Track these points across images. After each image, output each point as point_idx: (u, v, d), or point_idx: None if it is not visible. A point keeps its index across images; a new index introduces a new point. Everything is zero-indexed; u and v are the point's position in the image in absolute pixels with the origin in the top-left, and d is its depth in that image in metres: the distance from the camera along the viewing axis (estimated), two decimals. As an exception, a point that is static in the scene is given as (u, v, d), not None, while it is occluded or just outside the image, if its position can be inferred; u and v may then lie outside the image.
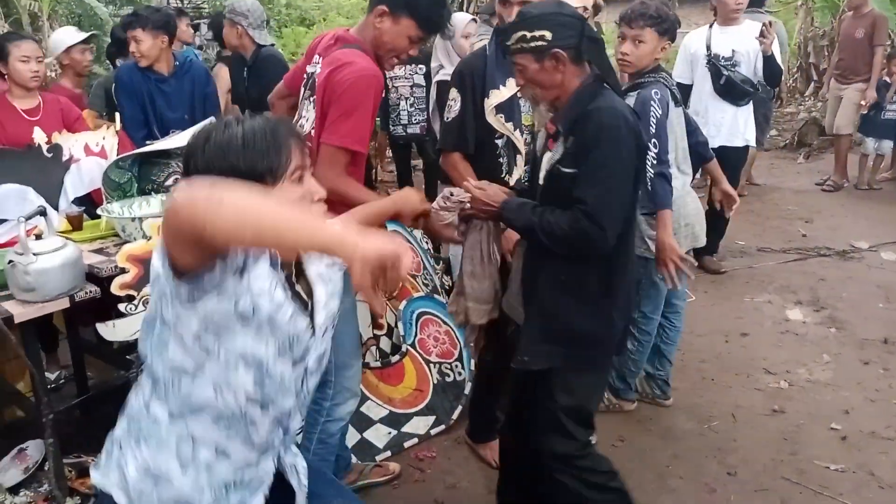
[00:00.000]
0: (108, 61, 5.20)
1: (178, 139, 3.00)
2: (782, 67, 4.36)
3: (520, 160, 2.42)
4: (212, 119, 3.04)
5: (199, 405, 1.29)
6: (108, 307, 2.59)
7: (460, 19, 3.65)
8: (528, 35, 1.84)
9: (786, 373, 3.38)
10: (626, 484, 2.07)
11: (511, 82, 2.42)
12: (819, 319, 3.96)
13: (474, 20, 3.69)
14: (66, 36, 4.16)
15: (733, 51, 4.16)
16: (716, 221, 4.57)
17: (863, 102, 6.24)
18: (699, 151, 2.96)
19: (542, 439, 2.01)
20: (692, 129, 2.91)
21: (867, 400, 3.16)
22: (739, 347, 3.66)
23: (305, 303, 1.38)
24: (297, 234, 1.06)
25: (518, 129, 2.42)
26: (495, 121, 2.41)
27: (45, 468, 2.73)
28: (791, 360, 3.51)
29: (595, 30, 2.00)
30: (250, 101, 4.00)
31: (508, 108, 2.42)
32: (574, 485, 1.98)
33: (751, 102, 4.30)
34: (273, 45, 3.93)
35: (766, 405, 3.12)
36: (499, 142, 2.43)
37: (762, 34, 4.04)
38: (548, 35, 1.82)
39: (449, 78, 3.60)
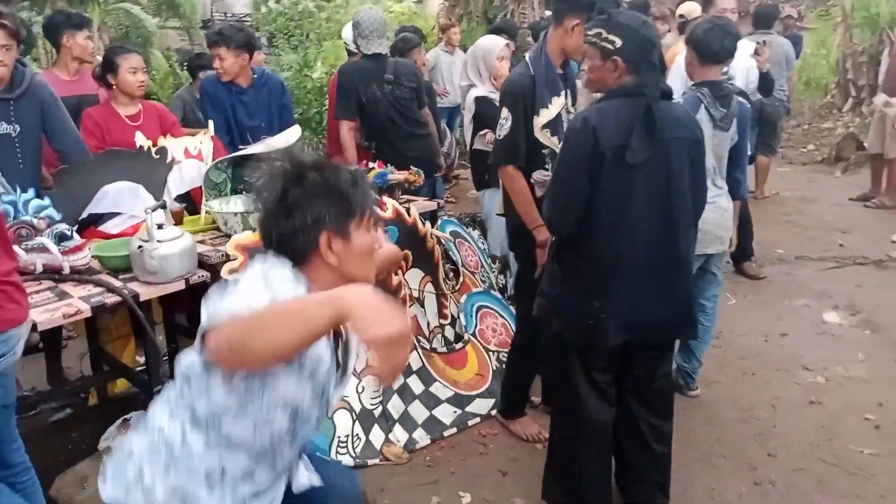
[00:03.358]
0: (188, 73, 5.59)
1: (270, 143, 3.34)
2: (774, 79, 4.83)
3: None
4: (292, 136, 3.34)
5: (237, 441, 1.41)
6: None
7: (495, 42, 3.85)
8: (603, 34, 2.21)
9: (823, 369, 3.59)
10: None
11: (557, 101, 2.73)
12: (855, 322, 4.15)
13: (508, 45, 3.89)
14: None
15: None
16: (740, 226, 4.80)
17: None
18: (731, 185, 3.15)
19: None
20: (736, 163, 3.12)
21: (901, 395, 3.35)
22: (778, 346, 3.88)
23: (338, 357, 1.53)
24: (305, 331, 1.19)
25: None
26: (542, 136, 2.71)
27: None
28: (828, 358, 3.71)
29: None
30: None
31: (554, 124, 2.72)
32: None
33: None
34: (383, 54, 4.19)
35: (804, 397, 3.34)
36: (545, 152, 2.72)
37: (757, 52, 4.42)
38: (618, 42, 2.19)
39: (488, 94, 3.82)
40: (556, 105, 2.73)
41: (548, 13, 10.70)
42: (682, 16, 5.32)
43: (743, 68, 4.48)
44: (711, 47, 2.97)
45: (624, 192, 2.19)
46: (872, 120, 6.84)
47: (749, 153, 4.89)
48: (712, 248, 3.11)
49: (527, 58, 2.83)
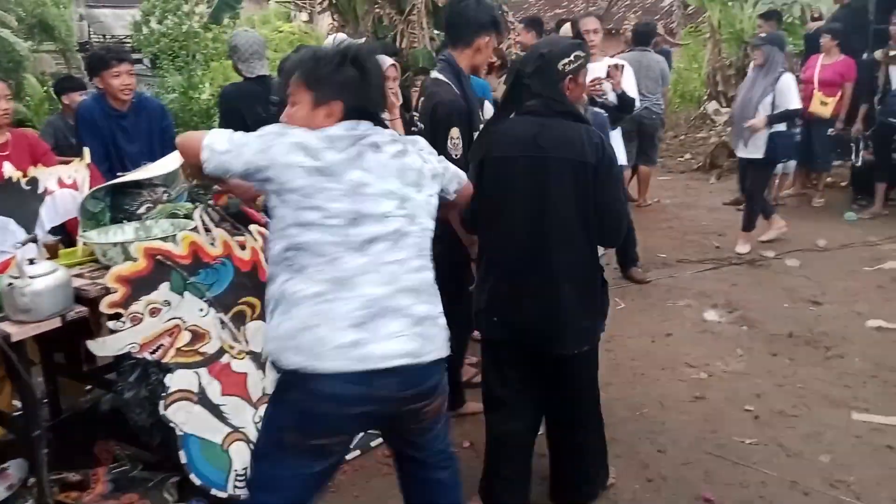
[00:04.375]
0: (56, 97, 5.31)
1: (149, 170, 3.22)
2: (635, 97, 4.82)
3: None
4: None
5: None
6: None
7: (382, 62, 3.85)
8: None
9: (705, 365, 3.82)
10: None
11: (484, 116, 2.87)
12: (732, 319, 4.44)
13: (394, 65, 3.92)
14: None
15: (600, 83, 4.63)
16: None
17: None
18: None
19: None
20: None
21: (776, 385, 3.60)
22: (664, 346, 4.09)
23: None
24: None
25: None
26: None
27: (28, 485, 2.87)
28: (709, 354, 3.95)
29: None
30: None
31: None
32: None
33: (619, 127, 4.77)
34: (266, 75, 4.14)
35: (690, 393, 3.53)
36: None
37: (609, 75, 4.56)
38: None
39: None
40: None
41: (437, 32, 10.87)
42: None
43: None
44: None
45: (501, 200, 2.41)
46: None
47: (631, 164, 5.16)
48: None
49: (441, 78, 2.89)
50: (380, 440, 3.13)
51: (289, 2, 15.84)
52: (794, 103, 5.36)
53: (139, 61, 16.11)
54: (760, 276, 5.23)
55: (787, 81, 5.34)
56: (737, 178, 7.42)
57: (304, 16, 18.78)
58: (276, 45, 16.04)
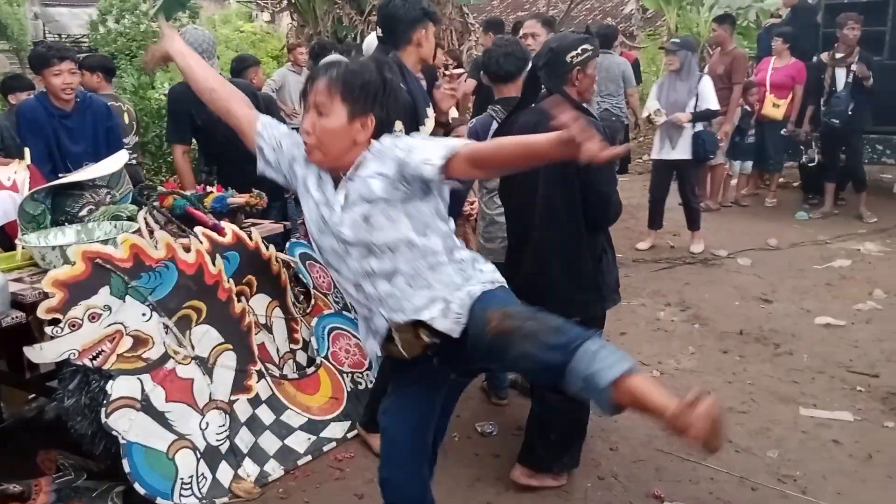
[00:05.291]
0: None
1: (91, 171, 3.14)
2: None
3: None
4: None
5: None
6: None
7: (338, 61, 3.91)
8: None
9: (657, 363, 3.86)
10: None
11: (430, 111, 2.86)
12: (685, 317, 4.49)
13: None
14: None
15: None
16: None
17: (720, 136, 6.36)
18: None
19: None
20: None
21: (726, 382, 3.65)
22: (619, 345, 4.09)
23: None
24: None
25: None
26: None
27: (-36, 498, 2.77)
28: (662, 352, 3.99)
29: None
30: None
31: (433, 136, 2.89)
32: None
33: None
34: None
35: (642, 392, 3.55)
36: None
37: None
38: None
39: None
40: (431, 117, 2.87)
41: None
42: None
43: None
44: (489, 68, 3.20)
45: (512, 178, 2.67)
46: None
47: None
48: None
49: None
50: (333, 444, 3.11)
51: (250, 1, 15.66)
52: (714, 104, 5.64)
53: (96, 60, 15.85)
54: (713, 274, 5.31)
55: (706, 84, 5.62)
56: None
57: (266, 16, 18.60)
58: (237, 45, 15.88)
